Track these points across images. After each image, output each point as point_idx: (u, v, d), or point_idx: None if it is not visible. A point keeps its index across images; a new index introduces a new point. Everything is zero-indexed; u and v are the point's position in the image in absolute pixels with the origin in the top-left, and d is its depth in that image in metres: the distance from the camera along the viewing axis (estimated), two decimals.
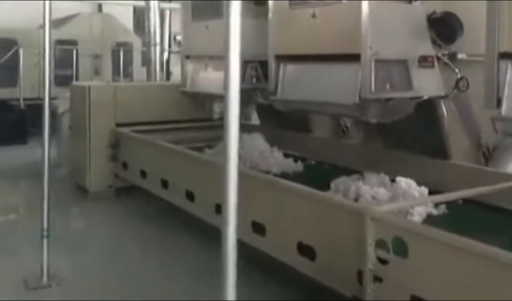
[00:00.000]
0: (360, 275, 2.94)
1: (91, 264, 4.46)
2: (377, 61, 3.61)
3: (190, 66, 5.92)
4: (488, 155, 4.16)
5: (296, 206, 3.47)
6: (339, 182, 4.37)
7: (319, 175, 4.96)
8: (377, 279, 2.84)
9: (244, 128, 6.41)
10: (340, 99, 3.82)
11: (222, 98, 5.62)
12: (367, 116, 3.75)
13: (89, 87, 6.21)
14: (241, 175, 3.75)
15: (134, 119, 6.30)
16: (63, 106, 7.17)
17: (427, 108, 4.03)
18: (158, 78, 7.95)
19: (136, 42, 11.21)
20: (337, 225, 3.13)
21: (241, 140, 5.88)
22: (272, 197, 3.74)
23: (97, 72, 10.70)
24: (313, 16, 4.03)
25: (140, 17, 11.84)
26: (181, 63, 5.99)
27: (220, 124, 6.60)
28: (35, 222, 4.13)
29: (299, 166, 5.41)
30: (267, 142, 5.80)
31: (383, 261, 2.82)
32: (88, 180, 6.19)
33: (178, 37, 11.25)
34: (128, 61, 11.07)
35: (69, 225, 5.30)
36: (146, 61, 9.52)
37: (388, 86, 3.70)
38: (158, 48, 7.94)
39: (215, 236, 4.72)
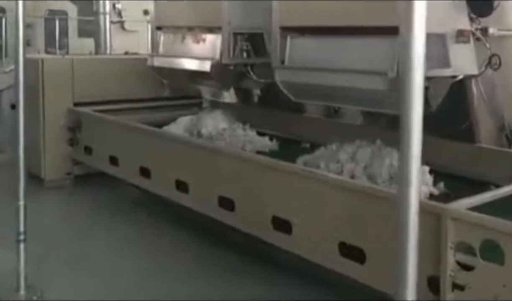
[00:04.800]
0: (431, 282, 2.56)
1: (69, 272, 3.80)
2: None
3: (162, 39, 5.25)
4: (511, 137, 3.91)
5: (337, 200, 3.03)
6: (318, 155, 3.99)
7: (297, 154, 4.45)
8: (458, 286, 2.48)
9: (214, 105, 5.96)
10: (370, 82, 3.38)
11: (203, 74, 5.03)
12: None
13: (42, 60, 5.39)
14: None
15: (94, 98, 5.56)
16: (3, 82, 6.24)
17: (454, 88, 3.69)
18: (109, 51, 7.15)
19: (71, 10, 10.14)
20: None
21: (207, 118, 5.32)
22: (302, 187, 3.26)
23: (28, 43, 9.56)
24: None
25: None
26: (151, 34, 5.30)
27: (196, 102, 6.03)
28: None
29: (274, 145, 4.96)
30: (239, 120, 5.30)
31: (465, 267, 2.46)
32: (43, 167, 5.42)
33: (118, 6, 10.35)
34: (63, 32, 10.00)
35: (31, 222, 4.53)
36: (85, 31, 8.63)
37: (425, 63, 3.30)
38: (107, 17, 7.11)
39: (209, 231, 4.11)
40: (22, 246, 3.32)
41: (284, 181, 3.38)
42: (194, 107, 5.84)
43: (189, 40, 5.02)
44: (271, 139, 4.98)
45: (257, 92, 5.15)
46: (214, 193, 3.80)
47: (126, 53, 9.36)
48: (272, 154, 4.61)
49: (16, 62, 3.45)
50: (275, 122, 5.32)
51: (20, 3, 3.34)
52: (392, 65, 3.28)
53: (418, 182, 1.70)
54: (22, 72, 3.29)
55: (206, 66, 4.70)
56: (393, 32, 3.28)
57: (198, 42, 4.90)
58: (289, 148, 4.84)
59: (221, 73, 4.68)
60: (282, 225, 3.28)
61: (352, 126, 4.91)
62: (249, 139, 4.98)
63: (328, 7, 3.61)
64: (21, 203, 3.32)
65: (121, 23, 10.54)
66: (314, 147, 4.54)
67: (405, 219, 1.74)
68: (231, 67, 4.63)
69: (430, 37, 3.25)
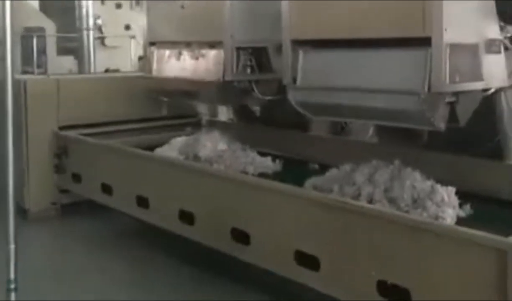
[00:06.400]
0: None
1: None
2: (452, 46, 2.92)
3: (156, 55, 4.88)
4: None
5: (380, 234, 2.71)
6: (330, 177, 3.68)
7: (305, 176, 3.95)
8: None
9: (212, 125, 5.62)
10: (398, 100, 3.07)
11: (202, 93, 4.67)
12: (434, 119, 3.03)
13: (25, 82, 4.97)
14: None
15: (81, 120, 5.16)
16: None
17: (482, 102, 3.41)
18: (93, 69, 6.74)
19: (50, 27, 9.65)
20: (448, 264, 2.41)
21: (204, 140, 4.96)
22: (331, 219, 2.94)
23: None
24: None
25: None
26: (143, 50, 4.94)
27: (191, 122, 5.66)
28: None
29: (277, 166, 4.61)
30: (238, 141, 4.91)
31: None
32: (27, 197, 4.97)
33: (98, 21, 9.94)
34: (41, 50, 9.50)
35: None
36: (64, 49, 8.21)
37: (457, 76, 3.03)
38: (91, 33, 6.71)
39: (213, 267, 3.65)
40: (13, 295, 2.91)
41: (301, 209, 3.06)
42: (188, 127, 5.49)
43: (186, 56, 4.66)
44: (273, 160, 4.65)
45: (257, 109, 4.82)
46: (226, 225, 3.44)
47: (107, 70, 8.96)
48: (276, 176, 4.27)
49: None
50: (276, 141, 5.00)
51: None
52: (423, 82, 2.98)
53: None
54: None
55: (207, 85, 4.36)
56: (422, 43, 3.05)
57: (197, 58, 4.56)
58: (294, 169, 4.51)
59: (223, 91, 4.34)
60: (307, 260, 2.95)
61: (362, 143, 4.62)
62: (250, 161, 4.65)
63: (345, 17, 3.30)
64: (12, 246, 2.92)
65: (101, 39, 10.13)
66: (322, 167, 4.24)
67: None
68: (235, 84, 4.30)
69: (461, 48, 3.04)
